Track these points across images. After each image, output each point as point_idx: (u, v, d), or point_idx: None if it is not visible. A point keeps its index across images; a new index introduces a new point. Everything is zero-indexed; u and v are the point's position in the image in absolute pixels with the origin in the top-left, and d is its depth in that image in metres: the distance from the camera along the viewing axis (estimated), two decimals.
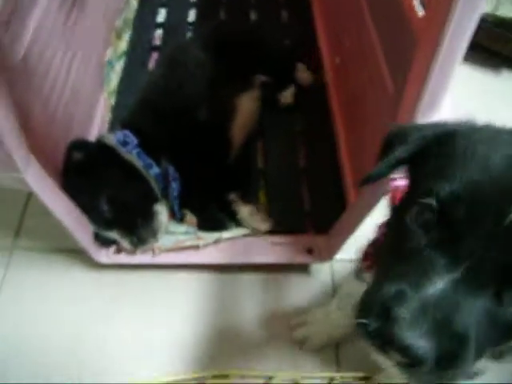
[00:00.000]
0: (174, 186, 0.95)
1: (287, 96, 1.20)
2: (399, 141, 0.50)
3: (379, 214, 0.82)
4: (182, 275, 1.01)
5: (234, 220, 1.00)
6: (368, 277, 0.68)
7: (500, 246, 0.37)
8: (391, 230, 0.50)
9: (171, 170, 0.95)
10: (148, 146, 0.96)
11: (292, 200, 1.06)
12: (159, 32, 1.46)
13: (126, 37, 1.43)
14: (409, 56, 0.79)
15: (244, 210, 0.99)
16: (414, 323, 0.36)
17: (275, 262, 0.97)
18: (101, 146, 0.96)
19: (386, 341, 0.38)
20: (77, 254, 1.02)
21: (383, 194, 0.73)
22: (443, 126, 0.48)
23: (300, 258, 0.97)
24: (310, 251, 0.97)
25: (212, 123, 1.01)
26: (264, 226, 0.98)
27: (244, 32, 1.26)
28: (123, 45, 1.41)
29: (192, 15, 1.51)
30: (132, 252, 0.95)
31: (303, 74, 1.25)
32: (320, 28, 1.45)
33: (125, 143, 0.95)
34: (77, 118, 1.09)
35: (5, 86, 0.61)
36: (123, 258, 0.97)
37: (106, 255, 0.97)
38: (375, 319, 0.39)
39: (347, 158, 1.12)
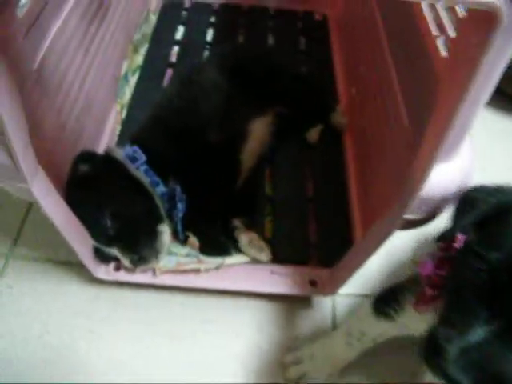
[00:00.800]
0: (180, 207, 0.93)
1: (313, 135, 1.19)
2: (470, 204, 0.59)
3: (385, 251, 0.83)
4: (180, 298, 0.99)
5: (237, 246, 0.98)
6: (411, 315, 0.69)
7: None
8: (451, 278, 0.58)
9: (178, 190, 0.93)
10: (156, 164, 0.94)
11: (297, 230, 1.04)
12: (176, 49, 1.46)
13: (143, 51, 1.43)
14: (428, 94, 0.78)
15: (244, 238, 0.97)
16: (456, 360, 0.48)
17: (275, 292, 0.95)
18: (108, 160, 0.94)
19: (437, 370, 0.49)
20: (75, 266, 1.01)
21: (391, 234, 0.71)
22: (506, 195, 0.57)
23: (301, 290, 0.94)
24: (312, 283, 0.95)
25: (223, 145, 1.00)
26: (262, 256, 0.96)
27: (260, 57, 1.25)
28: (139, 59, 1.41)
29: (210, 35, 1.51)
30: (132, 270, 0.93)
31: (339, 117, 1.22)
32: (337, 55, 1.45)
33: (133, 159, 0.93)
34: (87, 129, 1.08)
35: (17, 95, 0.60)
36: (122, 276, 0.95)
37: (105, 271, 0.95)
38: (432, 353, 0.50)
39: (356, 192, 1.11)
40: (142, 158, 0.94)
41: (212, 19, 1.56)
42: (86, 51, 1.05)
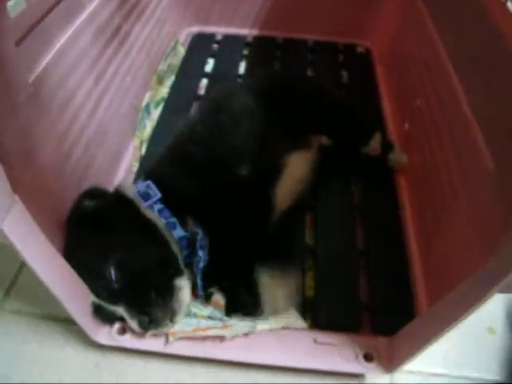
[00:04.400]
0: (201, 256, 0.75)
1: (375, 146, 1.00)
2: None
3: None
4: (200, 370, 0.79)
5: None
6: None
7: None
8: None
9: (200, 234, 0.75)
10: (173, 203, 0.77)
11: (346, 288, 0.85)
12: (205, 82, 1.33)
13: (168, 83, 1.30)
14: None
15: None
16: None
17: (321, 368, 0.74)
18: (118, 198, 0.78)
19: None
20: (73, 325, 0.81)
21: (487, 298, 0.52)
22: None
23: (354, 366, 0.73)
24: (367, 357, 0.74)
25: (254, 181, 0.83)
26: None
27: (299, 82, 1.10)
28: (164, 91, 1.27)
29: (243, 68, 1.38)
30: (140, 335, 0.74)
31: (399, 155, 1.05)
32: (384, 89, 1.29)
33: (146, 196, 0.77)
34: (98, 163, 0.93)
35: None
36: (128, 341, 0.75)
37: (106, 335, 0.76)
38: None
39: (416, 242, 0.92)
40: (157, 194, 0.77)
41: (245, 52, 1.44)
42: (100, 74, 0.92)
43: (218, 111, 0.91)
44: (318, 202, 0.99)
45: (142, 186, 0.78)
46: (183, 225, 0.76)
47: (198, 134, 0.87)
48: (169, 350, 0.74)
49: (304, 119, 0.94)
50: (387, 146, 1.04)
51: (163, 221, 0.75)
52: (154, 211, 0.76)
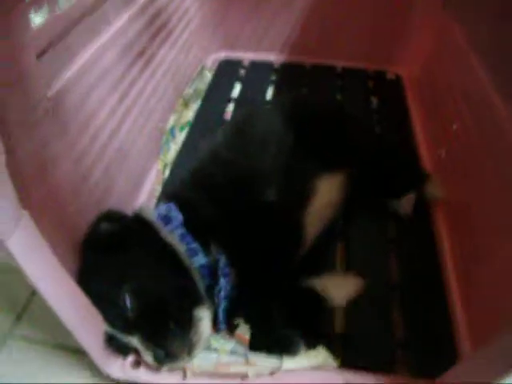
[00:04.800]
0: (223, 284, 0.69)
1: (406, 205, 0.93)
2: None
3: None
4: None
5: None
6: None
7: None
8: None
9: (222, 261, 0.70)
10: (196, 227, 0.72)
11: (378, 324, 0.78)
12: (231, 107, 1.30)
13: (194, 107, 1.28)
14: None
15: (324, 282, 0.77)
16: None
17: None
18: (137, 221, 0.74)
19: None
20: (85, 356, 0.76)
21: None
22: None
23: None
24: None
25: (282, 206, 0.78)
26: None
27: (331, 108, 1.06)
28: (189, 115, 1.24)
29: (270, 93, 1.35)
30: (156, 369, 0.69)
31: (435, 189, 0.98)
32: (415, 115, 1.25)
33: (167, 219, 0.72)
34: (118, 186, 0.89)
35: None
36: (142, 376, 0.69)
37: (119, 367, 0.70)
38: None
39: (455, 276, 0.85)
40: (179, 218, 0.72)
41: (272, 77, 1.41)
42: (124, 94, 0.89)
43: (242, 134, 0.87)
44: (350, 233, 0.93)
45: (163, 209, 0.74)
46: (206, 251, 0.71)
47: (222, 158, 0.83)
48: None
49: (335, 147, 0.90)
50: (423, 177, 0.98)
51: (184, 247, 0.70)
52: (174, 236, 0.71)
